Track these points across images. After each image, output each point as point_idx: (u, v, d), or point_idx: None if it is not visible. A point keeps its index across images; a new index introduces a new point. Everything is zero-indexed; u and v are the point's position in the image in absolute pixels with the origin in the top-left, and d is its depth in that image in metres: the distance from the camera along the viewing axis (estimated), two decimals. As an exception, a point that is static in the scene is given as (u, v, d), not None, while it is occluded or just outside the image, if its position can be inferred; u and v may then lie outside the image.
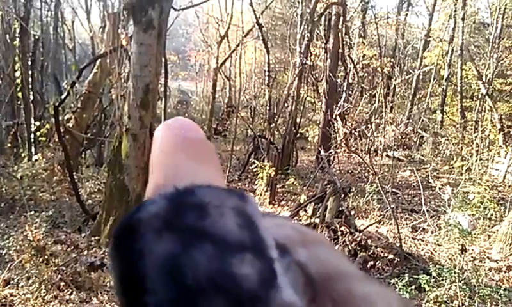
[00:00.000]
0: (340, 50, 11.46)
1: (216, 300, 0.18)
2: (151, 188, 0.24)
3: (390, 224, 6.74)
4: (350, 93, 12.38)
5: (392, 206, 6.69)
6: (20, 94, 8.53)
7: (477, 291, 4.09)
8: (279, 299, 0.18)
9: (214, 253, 0.19)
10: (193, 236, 0.19)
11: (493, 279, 5.23)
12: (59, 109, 6.58)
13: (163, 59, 5.73)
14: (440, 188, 8.36)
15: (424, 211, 7.27)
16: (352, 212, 6.92)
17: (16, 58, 8.46)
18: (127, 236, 0.20)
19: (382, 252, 5.66)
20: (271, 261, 0.20)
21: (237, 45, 14.01)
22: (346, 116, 11.45)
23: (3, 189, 6.91)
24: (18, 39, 8.51)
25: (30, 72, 8.70)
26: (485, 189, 7.84)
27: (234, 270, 0.18)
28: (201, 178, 0.22)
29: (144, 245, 0.19)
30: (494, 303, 4.09)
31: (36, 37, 9.35)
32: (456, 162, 11.28)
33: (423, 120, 16.42)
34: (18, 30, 8.56)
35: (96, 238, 5.07)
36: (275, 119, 10.20)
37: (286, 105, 10.50)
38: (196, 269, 0.18)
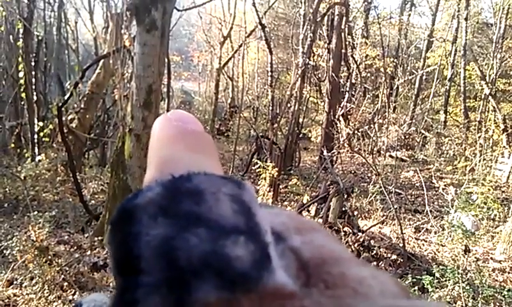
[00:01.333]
0: (343, 51, 11.46)
1: (208, 280, 0.18)
2: (149, 176, 0.24)
3: (393, 225, 6.73)
4: (353, 93, 12.38)
5: (395, 206, 6.67)
6: (23, 94, 8.55)
7: (480, 292, 4.07)
8: (271, 281, 0.19)
9: (208, 236, 0.19)
10: (188, 221, 0.20)
11: (496, 280, 5.22)
12: (63, 109, 6.59)
13: (166, 60, 5.73)
14: (443, 189, 8.35)
15: (427, 211, 7.25)
16: (355, 213, 6.91)
17: (20, 59, 8.48)
18: (124, 220, 0.20)
19: (385, 252, 5.65)
20: (265, 245, 0.20)
21: (240, 46, 13.99)
22: (349, 116, 11.45)
23: (6, 189, 6.93)
24: (21, 39, 8.53)
25: (33, 73, 8.72)
26: (488, 190, 7.82)
27: (227, 252, 0.19)
28: (199, 167, 0.23)
29: (140, 228, 0.20)
30: (497, 304, 4.07)
31: (40, 38, 9.38)
32: (459, 162, 11.25)
33: (426, 120, 16.38)
34: (21, 31, 8.59)
35: (100, 238, 5.08)
36: (278, 119, 10.20)
37: (289, 105, 10.50)
38: (189, 251, 0.19)
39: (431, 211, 7.27)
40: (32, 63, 8.76)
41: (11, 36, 9.43)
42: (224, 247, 0.19)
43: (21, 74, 8.41)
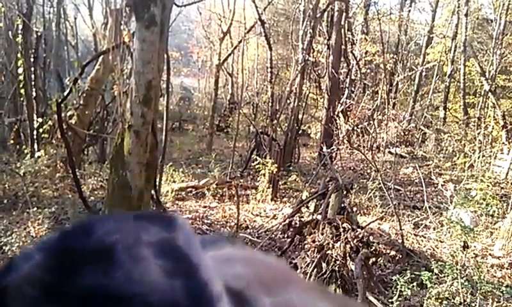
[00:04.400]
0: (343, 47, 11.44)
1: None
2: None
3: (392, 221, 6.74)
4: (352, 89, 12.38)
5: (394, 202, 6.68)
6: (22, 91, 8.53)
7: (478, 288, 4.08)
8: None
9: None
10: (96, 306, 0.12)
11: (495, 276, 5.23)
12: (62, 105, 6.57)
13: (165, 56, 5.72)
14: (442, 185, 8.36)
15: (426, 208, 7.26)
16: (355, 209, 6.91)
17: (19, 55, 8.46)
18: None
19: (384, 249, 5.66)
20: None
21: (240, 42, 13.97)
22: (348, 113, 11.45)
23: (6, 186, 6.93)
24: (20, 36, 8.51)
25: (32, 69, 8.69)
26: (487, 186, 7.82)
27: None
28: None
29: None
30: (496, 300, 4.08)
31: (39, 34, 9.34)
32: (458, 158, 11.25)
33: (425, 117, 16.38)
34: (20, 27, 8.56)
35: (99, 234, 5.08)
36: (277, 115, 10.19)
37: (288, 101, 10.48)
38: None
39: (429, 207, 7.28)
40: (32, 59, 8.73)
41: (10, 32, 9.41)
42: None
43: (20, 70, 8.39)
